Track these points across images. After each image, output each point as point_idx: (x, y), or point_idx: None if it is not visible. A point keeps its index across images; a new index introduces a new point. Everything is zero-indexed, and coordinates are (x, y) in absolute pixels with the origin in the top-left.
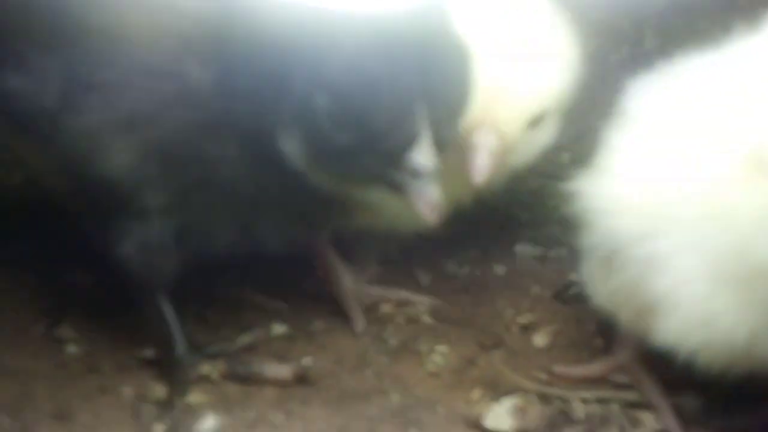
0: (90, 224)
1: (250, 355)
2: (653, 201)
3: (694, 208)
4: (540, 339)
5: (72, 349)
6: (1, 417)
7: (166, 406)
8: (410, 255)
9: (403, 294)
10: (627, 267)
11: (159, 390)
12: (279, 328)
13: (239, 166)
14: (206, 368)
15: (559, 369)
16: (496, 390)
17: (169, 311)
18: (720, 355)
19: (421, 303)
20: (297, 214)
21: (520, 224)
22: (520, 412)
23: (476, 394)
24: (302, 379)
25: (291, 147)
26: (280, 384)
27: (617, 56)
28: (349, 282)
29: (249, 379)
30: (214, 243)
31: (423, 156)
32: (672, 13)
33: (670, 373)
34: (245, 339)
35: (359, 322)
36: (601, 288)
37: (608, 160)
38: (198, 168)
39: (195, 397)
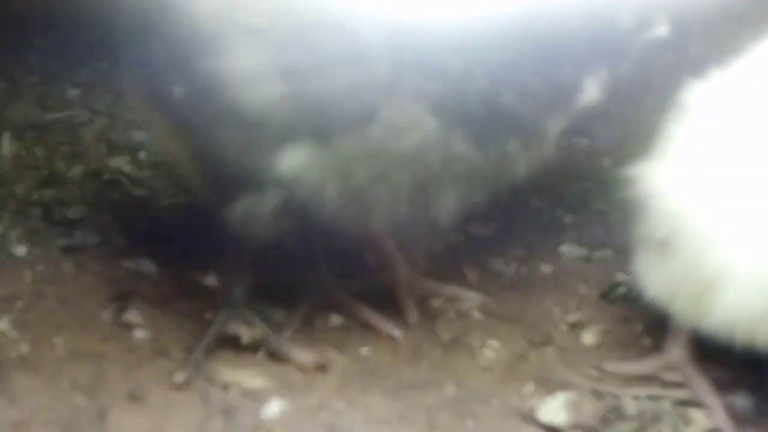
0: None
1: (292, 335)
2: (709, 183)
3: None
4: (588, 337)
5: (140, 333)
6: (78, 397)
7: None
8: (457, 253)
9: (454, 289)
10: (684, 248)
11: (226, 373)
12: (336, 319)
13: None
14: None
15: (610, 366)
16: (548, 385)
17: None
18: None
19: (471, 299)
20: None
21: (564, 226)
22: (573, 406)
23: (529, 388)
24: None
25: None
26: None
27: (661, 63)
28: (405, 273)
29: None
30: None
31: None
32: (718, 20)
33: (721, 371)
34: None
35: (412, 314)
36: (656, 276)
37: (666, 149)
38: None
39: (258, 381)
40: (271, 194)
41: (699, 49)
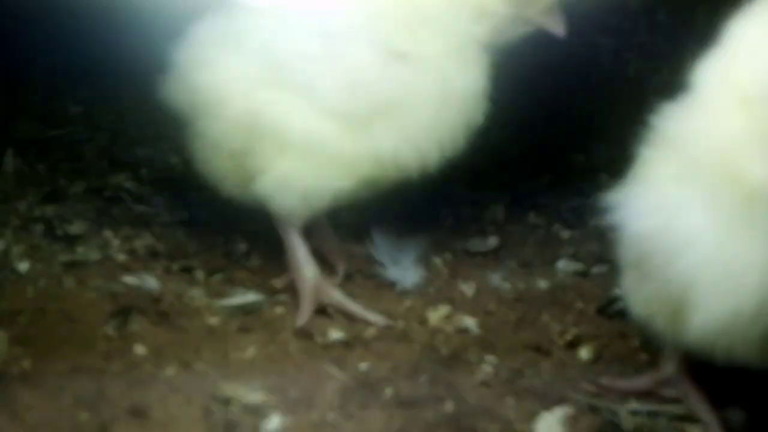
0: None
1: None
2: (671, 204)
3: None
4: (585, 353)
5: (140, 349)
6: (81, 413)
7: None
8: (454, 268)
9: (359, 310)
10: (656, 268)
11: (227, 389)
12: (336, 334)
13: None
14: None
15: (607, 381)
16: (546, 400)
17: None
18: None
19: (373, 322)
20: None
21: (561, 241)
22: (571, 421)
23: (527, 403)
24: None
25: None
26: None
27: (656, 80)
28: (313, 277)
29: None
30: None
31: None
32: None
33: (716, 387)
34: None
35: (304, 317)
36: (637, 296)
37: (637, 172)
38: None
39: (258, 396)
40: None
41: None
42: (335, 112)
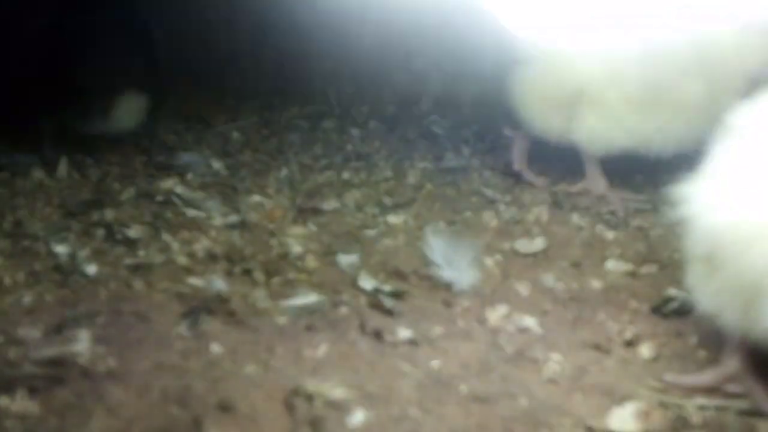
0: None
1: None
2: (745, 195)
3: None
4: (646, 350)
5: (216, 348)
6: (172, 408)
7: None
8: (506, 268)
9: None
10: (729, 261)
11: (309, 385)
12: (404, 333)
13: None
14: None
15: (672, 377)
16: (613, 396)
17: None
18: None
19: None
20: None
21: (606, 242)
22: (643, 416)
23: (595, 399)
24: None
25: None
26: None
27: None
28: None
29: None
30: None
31: None
32: None
33: None
34: None
35: (600, 188)
36: (705, 290)
37: (710, 166)
38: None
39: (340, 393)
40: None
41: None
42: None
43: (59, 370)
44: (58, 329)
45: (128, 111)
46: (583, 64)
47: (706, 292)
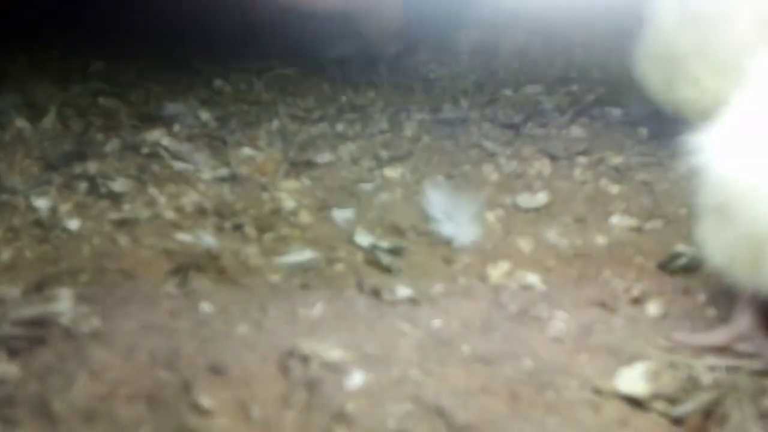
0: None
1: None
2: (760, 145)
3: None
4: (653, 308)
5: (206, 307)
6: (160, 371)
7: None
8: (507, 224)
9: None
10: (742, 212)
11: (305, 346)
12: (403, 291)
13: None
14: None
15: (681, 336)
16: (621, 356)
17: None
18: None
19: None
20: None
21: (611, 197)
22: (652, 376)
23: (602, 359)
24: None
25: None
26: None
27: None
28: None
29: None
30: None
31: None
32: None
33: None
34: None
35: None
36: (717, 243)
37: (725, 115)
38: None
39: (337, 354)
40: None
41: None
42: None
43: (40, 331)
44: (39, 287)
45: None
46: None
47: (716, 246)
